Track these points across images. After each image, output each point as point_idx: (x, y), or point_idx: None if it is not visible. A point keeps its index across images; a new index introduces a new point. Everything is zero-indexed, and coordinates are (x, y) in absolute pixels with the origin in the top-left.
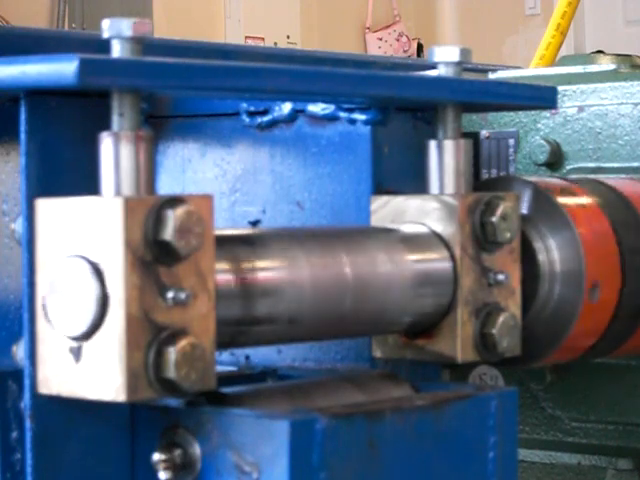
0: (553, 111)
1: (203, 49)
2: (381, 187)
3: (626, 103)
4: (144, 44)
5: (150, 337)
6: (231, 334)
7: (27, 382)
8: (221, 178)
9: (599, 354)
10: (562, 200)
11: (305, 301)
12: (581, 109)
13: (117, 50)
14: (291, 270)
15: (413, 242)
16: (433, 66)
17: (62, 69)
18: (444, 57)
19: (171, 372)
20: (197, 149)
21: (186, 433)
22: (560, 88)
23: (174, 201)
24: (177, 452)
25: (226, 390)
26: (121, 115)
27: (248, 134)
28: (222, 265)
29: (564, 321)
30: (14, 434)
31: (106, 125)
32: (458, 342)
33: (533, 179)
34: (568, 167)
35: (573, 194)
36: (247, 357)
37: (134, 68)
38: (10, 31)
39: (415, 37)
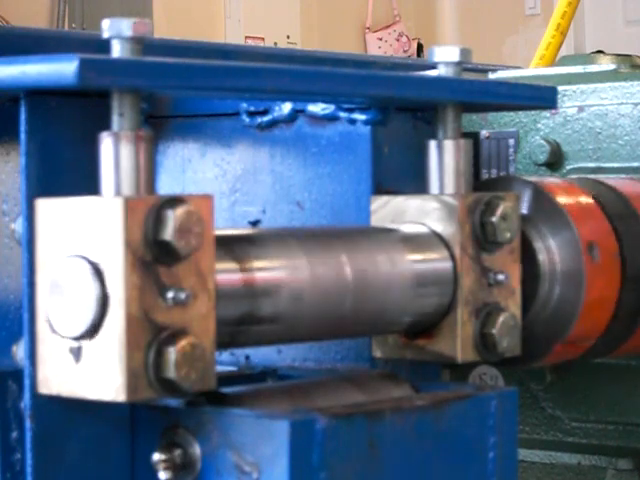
0: (553, 111)
1: (203, 49)
2: (381, 187)
3: (626, 103)
4: (144, 44)
5: (150, 337)
6: (231, 334)
7: (27, 382)
8: (221, 178)
9: (599, 354)
10: (562, 200)
11: (305, 301)
12: (581, 109)
13: (117, 50)
14: (291, 270)
15: (413, 242)
16: (433, 66)
17: (62, 69)
18: (444, 57)
19: (171, 372)
20: (197, 149)
21: (186, 433)
22: (560, 88)
23: (174, 201)
24: (177, 452)
25: (226, 390)
26: (121, 115)
27: (248, 134)
28: (222, 265)
29: (564, 321)
30: (14, 434)
31: (106, 125)
32: (458, 342)
33: (533, 179)
34: (568, 167)
35: (573, 194)
36: (247, 357)
37: (134, 68)
38: (10, 31)
39: (415, 37)
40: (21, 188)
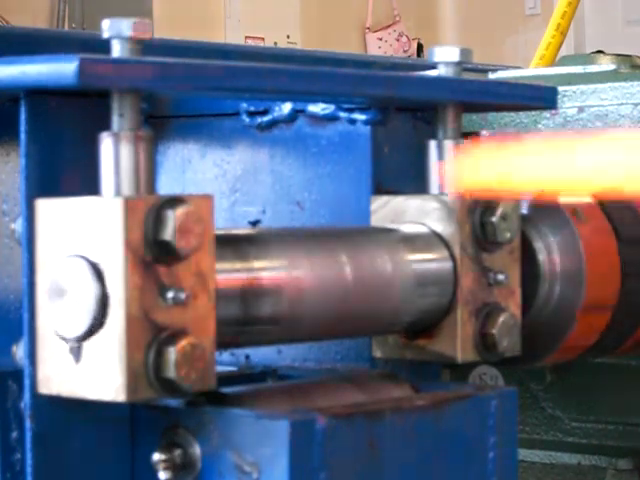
0: (553, 111)
1: (203, 49)
2: (381, 187)
3: (626, 103)
4: (144, 44)
5: (150, 337)
6: (231, 334)
7: (27, 382)
8: (221, 178)
9: (599, 353)
10: (562, 200)
11: (305, 301)
12: (581, 109)
13: (117, 50)
14: (291, 270)
15: (413, 242)
16: (433, 66)
17: (62, 69)
18: (444, 57)
19: (171, 372)
20: (197, 149)
21: (186, 433)
22: (560, 88)
23: (174, 201)
24: (177, 452)
25: (226, 390)
26: (121, 115)
27: (248, 134)
28: (222, 265)
29: (564, 321)
30: (14, 434)
31: (106, 125)
32: (458, 342)
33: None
34: None
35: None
36: (247, 357)
37: (134, 68)
38: (10, 31)
39: (415, 37)
40: (21, 188)
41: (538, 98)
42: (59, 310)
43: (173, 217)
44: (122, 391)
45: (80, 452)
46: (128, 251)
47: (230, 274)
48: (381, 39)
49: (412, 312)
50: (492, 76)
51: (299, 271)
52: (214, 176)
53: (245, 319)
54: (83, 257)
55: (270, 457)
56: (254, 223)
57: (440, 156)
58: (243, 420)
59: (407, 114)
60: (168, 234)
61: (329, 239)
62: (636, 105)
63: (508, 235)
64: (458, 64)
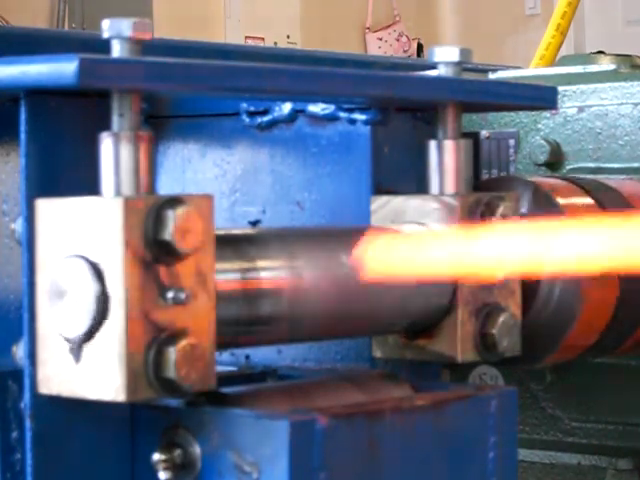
0: (553, 111)
1: (203, 49)
2: (381, 187)
3: (626, 103)
4: (144, 44)
5: (150, 337)
6: (231, 334)
7: (27, 382)
8: (221, 178)
9: (599, 353)
10: (562, 200)
11: (305, 301)
12: (581, 109)
13: (117, 50)
14: (291, 270)
15: None
16: (433, 66)
17: (62, 69)
18: (444, 57)
19: (171, 372)
20: (197, 149)
21: (186, 433)
22: (560, 88)
23: (174, 201)
24: (177, 452)
25: (226, 390)
26: (121, 115)
27: (248, 134)
28: (222, 265)
29: (564, 321)
30: (14, 434)
31: (106, 125)
32: (458, 342)
33: (533, 179)
34: (568, 167)
35: (573, 194)
36: (247, 357)
37: (134, 68)
38: (10, 31)
39: (415, 37)
40: (21, 188)
41: (538, 98)
42: (59, 310)
43: (173, 217)
44: (122, 391)
45: (80, 452)
46: (128, 251)
47: (230, 274)
48: (381, 39)
49: (412, 312)
50: (492, 76)
51: (299, 271)
52: (214, 176)
53: (245, 319)
54: (83, 257)
55: (270, 457)
56: (254, 223)
57: (440, 156)
58: (243, 420)
59: (407, 114)
60: (168, 234)
61: (329, 239)
62: (636, 105)
63: None
64: (458, 64)
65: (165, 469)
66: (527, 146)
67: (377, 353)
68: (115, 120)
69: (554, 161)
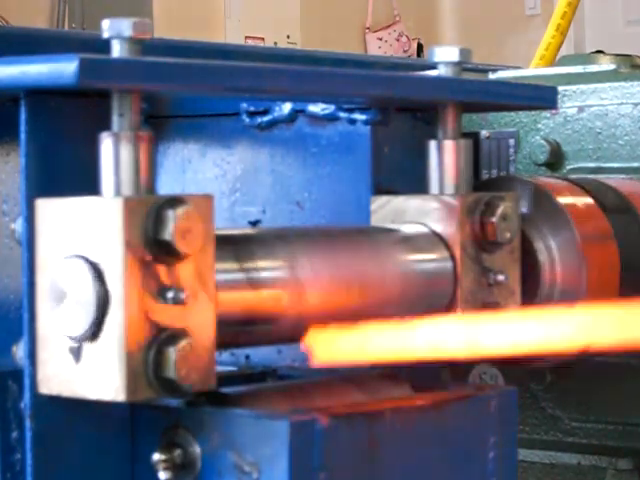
0: (553, 111)
1: (203, 49)
2: (381, 187)
3: (626, 103)
4: (144, 44)
5: (150, 337)
6: (231, 334)
7: (27, 382)
8: (221, 178)
9: (599, 353)
10: (562, 200)
11: (305, 301)
12: (581, 109)
13: (117, 50)
14: (291, 270)
15: (413, 242)
16: (433, 66)
17: (62, 69)
18: (444, 57)
19: (171, 372)
20: (197, 149)
21: (186, 433)
22: (560, 88)
23: (174, 201)
24: (177, 452)
25: (226, 390)
26: (121, 115)
27: (248, 134)
28: (222, 265)
29: None
30: (14, 434)
31: (106, 125)
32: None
33: (533, 179)
34: (568, 167)
35: (573, 194)
36: (247, 357)
37: (134, 68)
38: (10, 31)
39: (415, 37)
40: (21, 188)
41: (538, 98)
42: (59, 310)
43: (173, 217)
44: (122, 391)
45: (80, 452)
46: (128, 251)
47: (230, 274)
48: (381, 39)
49: (412, 312)
50: (492, 76)
51: (299, 271)
52: (214, 176)
53: (245, 319)
54: (83, 257)
55: (270, 457)
56: (254, 223)
57: (440, 156)
58: (243, 420)
59: (407, 114)
60: (168, 234)
61: (329, 239)
62: (636, 105)
63: (508, 235)
64: (458, 64)
65: (165, 469)
66: (527, 146)
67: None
68: (115, 120)
69: (554, 161)
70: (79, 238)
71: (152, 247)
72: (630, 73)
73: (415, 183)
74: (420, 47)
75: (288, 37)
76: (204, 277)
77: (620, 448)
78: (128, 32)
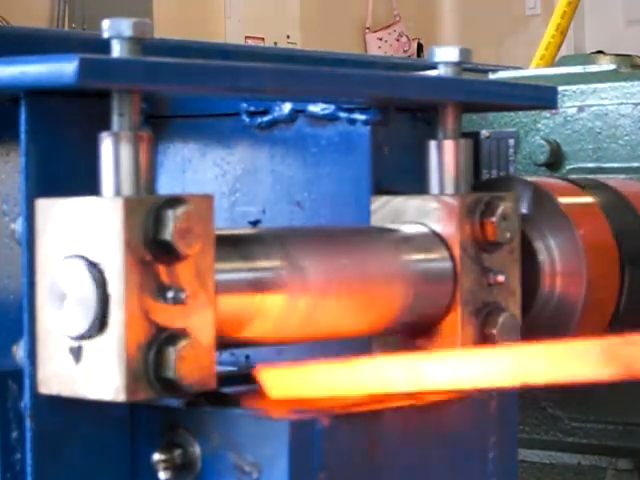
0: (553, 111)
1: (203, 49)
2: (381, 187)
3: (626, 103)
4: (144, 44)
5: (150, 337)
6: (231, 334)
7: (27, 382)
8: (221, 178)
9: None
10: (562, 200)
11: (305, 301)
12: (581, 109)
13: (117, 50)
14: (291, 270)
15: (413, 242)
16: (433, 66)
17: (62, 69)
18: (444, 57)
19: (171, 372)
20: (197, 149)
21: (186, 433)
22: (560, 88)
23: (174, 201)
24: (177, 452)
25: (226, 390)
26: (121, 115)
27: (248, 134)
28: (222, 265)
29: (564, 321)
30: (14, 434)
31: (106, 125)
32: (458, 342)
33: (533, 179)
34: (568, 167)
35: (573, 194)
36: (247, 357)
37: (134, 68)
38: (10, 31)
39: (415, 37)
40: (21, 188)
41: (538, 98)
42: (59, 310)
43: (173, 217)
44: (122, 391)
45: (80, 452)
46: (128, 251)
47: (230, 274)
48: (381, 39)
49: (412, 312)
50: (492, 76)
51: (299, 271)
52: (214, 176)
53: (245, 319)
54: (83, 257)
55: (270, 457)
56: (254, 223)
57: (440, 156)
58: (243, 420)
59: (407, 114)
60: (168, 234)
61: (329, 239)
62: (636, 105)
63: (508, 235)
64: (458, 64)
65: (165, 469)
66: (527, 146)
67: (377, 353)
68: (115, 120)
69: (554, 161)
70: (79, 238)
71: (152, 247)
72: (630, 73)
73: (415, 183)
74: (420, 47)
75: (288, 37)
76: (204, 277)
77: (620, 448)
78: (128, 32)
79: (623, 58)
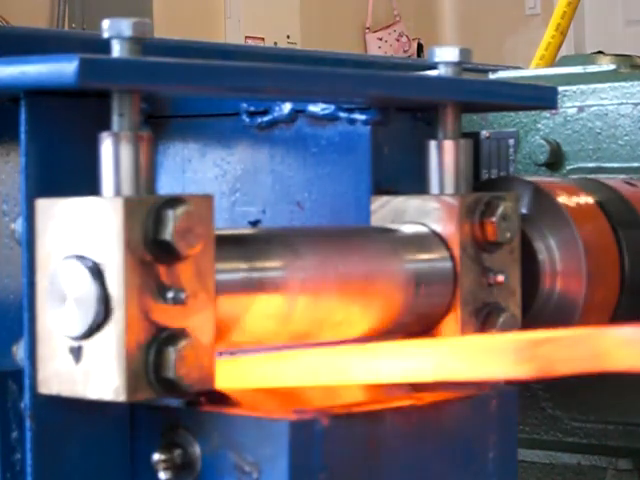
0: (553, 111)
1: (203, 49)
2: (381, 187)
3: (626, 103)
4: (144, 44)
5: (150, 337)
6: (231, 333)
7: (27, 382)
8: (221, 178)
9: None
10: (562, 200)
11: (305, 301)
12: (581, 109)
13: (117, 50)
14: (291, 270)
15: (413, 242)
16: (433, 66)
17: (62, 69)
18: (444, 57)
19: (171, 372)
20: (197, 149)
21: (186, 433)
22: (560, 88)
23: (174, 201)
24: (177, 452)
25: (226, 390)
26: (121, 115)
27: (248, 134)
28: (222, 265)
29: (565, 322)
30: (14, 434)
31: (106, 125)
32: None
33: (533, 179)
34: (568, 167)
35: (573, 194)
36: None
37: (134, 68)
38: (10, 31)
39: (415, 37)
40: (21, 188)
41: (538, 98)
42: (59, 310)
43: (173, 217)
44: (122, 391)
45: (80, 452)
46: (128, 251)
47: (230, 274)
48: (381, 39)
49: (412, 312)
50: (492, 76)
51: (299, 271)
52: (214, 176)
53: (245, 319)
54: (83, 257)
55: (270, 457)
56: (254, 223)
57: (440, 156)
58: (243, 420)
59: (407, 114)
60: (168, 234)
61: (329, 239)
62: (636, 105)
63: (508, 235)
64: (458, 64)
65: (165, 469)
66: (527, 146)
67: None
68: (115, 120)
69: (554, 161)
70: (79, 238)
71: (152, 247)
72: (630, 73)
73: (415, 183)
74: (420, 47)
75: (288, 37)
76: (204, 277)
77: (620, 448)
78: (128, 32)
79: (623, 58)
